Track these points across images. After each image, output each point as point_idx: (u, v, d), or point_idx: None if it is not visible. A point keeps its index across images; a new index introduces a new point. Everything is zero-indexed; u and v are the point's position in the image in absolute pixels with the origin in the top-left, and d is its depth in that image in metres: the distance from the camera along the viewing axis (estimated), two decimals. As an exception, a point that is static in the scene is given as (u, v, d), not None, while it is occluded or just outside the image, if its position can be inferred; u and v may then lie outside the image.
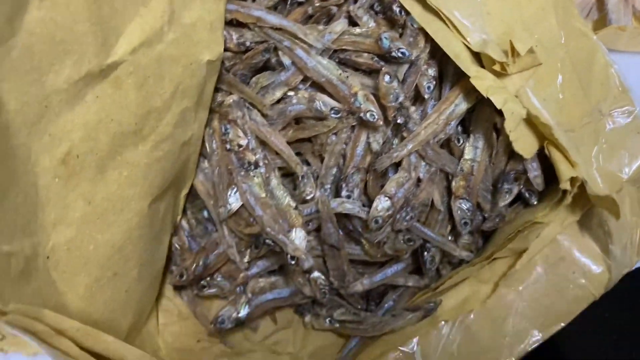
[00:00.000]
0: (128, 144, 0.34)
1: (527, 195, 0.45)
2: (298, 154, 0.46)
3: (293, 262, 0.41)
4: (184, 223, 0.47)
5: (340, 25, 0.44)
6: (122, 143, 0.34)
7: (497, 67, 0.41)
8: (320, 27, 0.45)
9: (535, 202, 0.45)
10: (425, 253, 0.45)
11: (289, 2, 0.46)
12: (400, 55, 0.43)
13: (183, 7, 0.38)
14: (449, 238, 0.46)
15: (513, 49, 0.40)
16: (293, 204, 0.42)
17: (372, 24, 0.45)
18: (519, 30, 0.43)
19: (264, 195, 0.42)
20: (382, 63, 0.44)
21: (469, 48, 0.42)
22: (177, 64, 0.37)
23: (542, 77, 0.43)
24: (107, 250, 0.34)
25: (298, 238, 0.41)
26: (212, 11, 0.40)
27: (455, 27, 0.42)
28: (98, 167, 0.33)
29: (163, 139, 0.37)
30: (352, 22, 0.45)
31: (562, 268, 0.46)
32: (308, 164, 0.46)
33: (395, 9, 0.44)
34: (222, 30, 0.42)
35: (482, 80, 0.41)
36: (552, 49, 0.44)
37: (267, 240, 0.42)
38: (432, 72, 0.44)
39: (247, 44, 0.44)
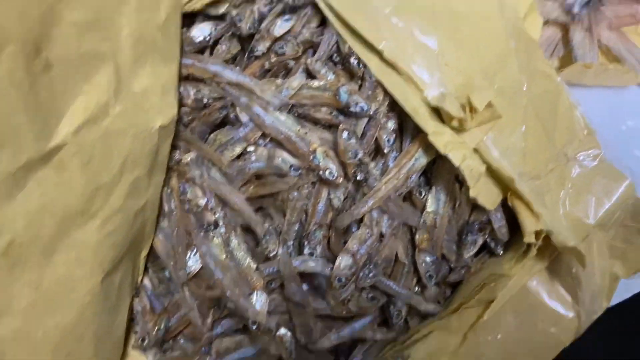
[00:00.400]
0: (76, 224, 0.34)
1: (492, 245, 0.45)
2: (260, 207, 0.46)
3: (255, 327, 0.41)
4: (147, 282, 0.46)
5: (297, 80, 0.43)
6: (69, 224, 0.34)
7: (455, 123, 0.41)
8: (279, 80, 0.44)
9: (501, 252, 0.46)
10: (392, 307, 0.45)
11: (246, 55, 0.46)
12: (358, 110, 0.43)
13: (132, 76, 0.37)
14: (416, 289, 0.46)
15: (470, 105, 0.40)
16: (254, 266, 0.42)
17: (330, 76, 0.45)
18: (479, 79, 0.43)
19: (223, 257, 0.42)
20: (340, 117, 0.44)
21: (427, 102, 0.42)
22: (126, 136, 0.37)
23: (503, 128, 0.43)
24: (57, 333, 0.34)
25: (259, 302, 0.41)
26: (164, 74, 0.40)
27: (412, 81, 0.42)
28: (44, 253, 0.33)
29: (114, 213, 0.37)
30: (311, 74, 0.45)
31: (531, 315, 0.46)
32: (271, 216, 0.46)
33: (353, 61, 0.44)
34: (175, 92, 0.41)
35: (440, 137, 0.41)
36: (514, 96, 0.44)
37: (228, 304, 0.42)
38: (391, 125, 0.44)
39: (205, 100, 0.44)
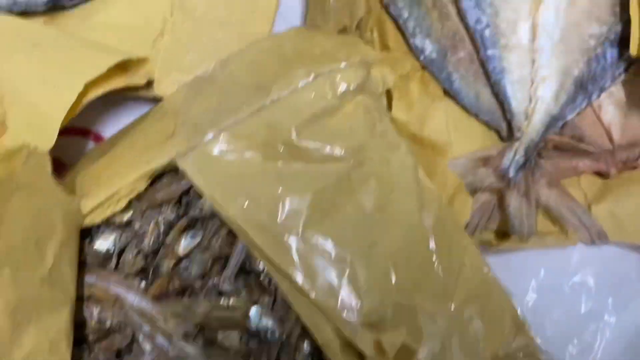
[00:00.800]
0: None
1: None
2: None
3: None
4: None
5: (203, 306, 0.41)
6: None
7: (367, 363, 0.39)
8: (186, 300, 0.42)
9: None
10: None
11: (151, 271, 0.44)
12: (269, 336, 0.41)
13: (11, 348, 0.35)
14: None
15: (381, 348, 0.38)
16: None
17: (242, 293, 0.43)
18: (396, 299, 0.41)
19: None
20: (251, 343, 0.42)
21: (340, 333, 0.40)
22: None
23: (426, 349, 0.41)
24: None
25: None
26: (53, 327, 0.38)
27: (323, 309, 0.40)
28: None
29: None
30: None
31: None
32: None
33: (264, 278, 0.42)
34: (67, 338, 0.39)
35: (353, 377, 0.39)
36: (437, 310, 0.42)
37: None
38: (307, 347, 0.42)
39: (107, 323, 0.42)
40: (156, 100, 0.50)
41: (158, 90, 0.50)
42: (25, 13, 0.50)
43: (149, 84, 0.49)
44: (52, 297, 0.38)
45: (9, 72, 0.44)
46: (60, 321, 0.39)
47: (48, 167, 0.39)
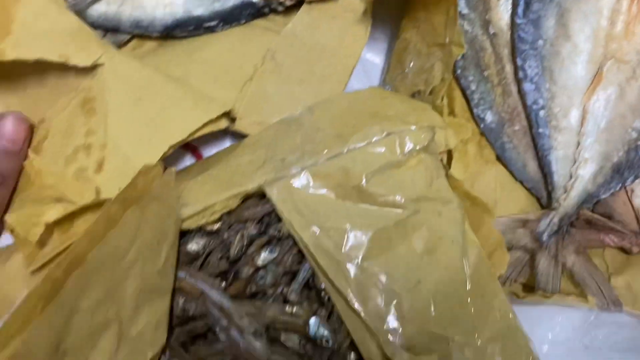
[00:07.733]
0: None
1: None
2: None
3: None
4: None
5: (271, 310, 0.56)
6: None
7: (405, 385, 0.53)
8: (258, 302, 0.57)
9: None
10: None
11: (231, 275, 0.59)
12: (324, 344, 0.55)
13: (131, 325, 0.50)
14: None
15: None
16: None
17: (305, 304, 0.57)
18: (432, 329, 0.55)
19: None
20: (308, 347, 0.56)
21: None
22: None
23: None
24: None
25: None
26: (159, 309, 0.53)
27: (369, 327, 0.54)
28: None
29: None
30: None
31: None
32: None
33: (324, 295, 0.56)
34: (166, 319, 0.54)
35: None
36: (465, 345, 0.56)
37: None
38: (354, 357, 0.56)
39: (190, 312, 0.57)
40: (236, 134, 0.65)
41: (239, 127, 0.64)
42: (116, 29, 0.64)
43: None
44: (161, 286, 0.53)
45: (113, 124, 0.58)
46: (164, 305, 0.54)
47: (173, 182, 0.54)
